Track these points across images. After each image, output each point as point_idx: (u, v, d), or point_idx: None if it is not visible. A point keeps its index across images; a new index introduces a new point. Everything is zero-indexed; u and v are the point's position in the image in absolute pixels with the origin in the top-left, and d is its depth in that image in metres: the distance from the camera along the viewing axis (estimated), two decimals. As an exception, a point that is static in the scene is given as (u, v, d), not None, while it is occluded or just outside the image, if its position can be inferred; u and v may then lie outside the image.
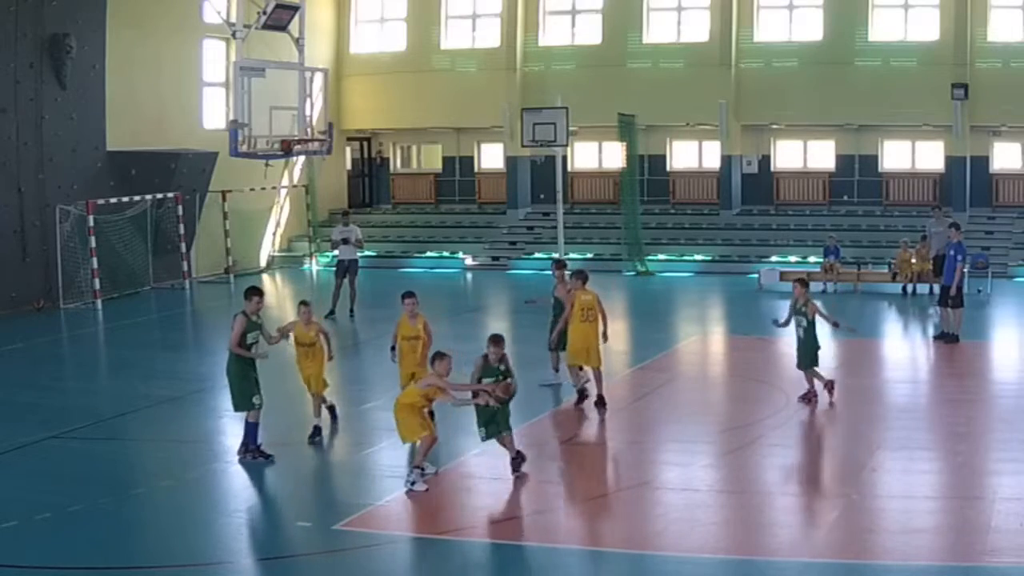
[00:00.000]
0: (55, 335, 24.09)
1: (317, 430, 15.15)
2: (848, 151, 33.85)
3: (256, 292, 14.52)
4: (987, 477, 13.07)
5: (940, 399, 17.54)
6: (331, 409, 15.85)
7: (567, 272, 17.53)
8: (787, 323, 16.82)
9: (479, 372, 13.10)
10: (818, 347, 16.53)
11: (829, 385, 16.58)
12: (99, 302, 26.51)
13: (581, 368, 16.54)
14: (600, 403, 16.27)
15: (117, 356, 22.47)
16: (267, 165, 26.04)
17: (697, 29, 34.14)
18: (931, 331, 22.18)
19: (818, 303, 16.61)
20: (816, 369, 16.60)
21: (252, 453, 14.09)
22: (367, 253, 29.62)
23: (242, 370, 14.11)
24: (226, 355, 14.39)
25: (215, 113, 32.04)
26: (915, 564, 10.41)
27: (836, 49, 32.51)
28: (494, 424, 13.17)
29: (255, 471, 13.96)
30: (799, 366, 16.65)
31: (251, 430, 14.14)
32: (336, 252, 25.69)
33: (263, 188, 32.16)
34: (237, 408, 14.25)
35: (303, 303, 15.45)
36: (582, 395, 16.62)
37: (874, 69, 32.25)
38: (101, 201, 27.11)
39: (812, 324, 16.39)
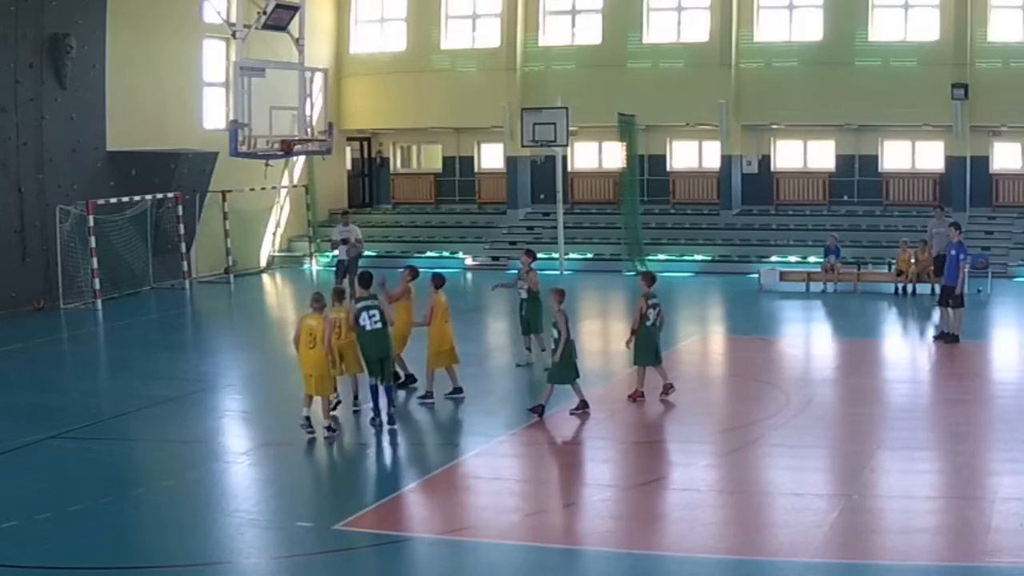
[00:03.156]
0: (55, 335, 24.08)
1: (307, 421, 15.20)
2: (848, 151, 33.83)
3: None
4: (987, 477, 13.07)
5: (940, 399, 17.52)
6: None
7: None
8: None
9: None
10: (657, 345, 16.71)
11: (668, 387, 16.70)
12: (99, 302, 26.48)
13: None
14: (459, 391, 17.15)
15: (117, 356, 22.47)
16: (267, 165, 26.03)
17: (697, 29, 34.12)
18: (931, 331, 22.16)
19: (652, 306, 16.64)
20: (662, 368, 16.77)
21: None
22: (367, 253, 29.58)
23: None
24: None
25: (215, 113, 32.01)
26: (915, 564, 10.41)
27: (836, 49, 32.49)
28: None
29: (255, 471, 13.98)
30: (636, 362, 16.75)
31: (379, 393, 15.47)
32: (336, 252, 25.69)
33: (263, 188, 32.15)
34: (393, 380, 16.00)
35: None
36: (460, 390, 17.17)
37: (874, 69, 32.23)
38: (101, 201, 27.09)
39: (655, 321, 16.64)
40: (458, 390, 17.00)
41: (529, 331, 19.43)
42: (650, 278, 17.03)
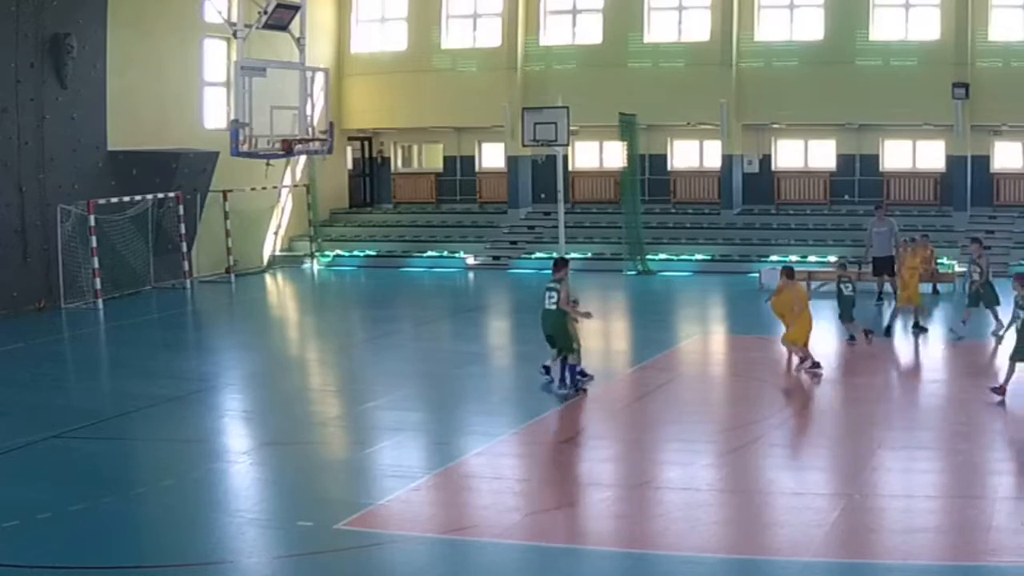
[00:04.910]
0: (56, 335, 24.10)
1: None
2: (849, 151, 33.82)
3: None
4: (988, 476, 13.07)
5: (940, 399, 17.52)
6: None
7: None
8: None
9: None
10: None
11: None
12: (100, 302, 26.48)
13: None
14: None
15: (118, 356, 22.48)
16: (268, 165, 25.98)
17: (698, 29, 34.11)
18: (930, 331, 22.14)
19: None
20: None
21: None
22: (368, 252, 29.53)
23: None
24: None
25: (216, 113, 31.99)
26: (916, 563, 10.40)
27: (837, 49, 32.47)
28: None
29: (256, 470, 13.98)
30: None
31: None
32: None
33: (264, 188, 32.13)
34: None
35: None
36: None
37: (875, 69, 32.22)
38: (102, 201, 27.09)
39: None
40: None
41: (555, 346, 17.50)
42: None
